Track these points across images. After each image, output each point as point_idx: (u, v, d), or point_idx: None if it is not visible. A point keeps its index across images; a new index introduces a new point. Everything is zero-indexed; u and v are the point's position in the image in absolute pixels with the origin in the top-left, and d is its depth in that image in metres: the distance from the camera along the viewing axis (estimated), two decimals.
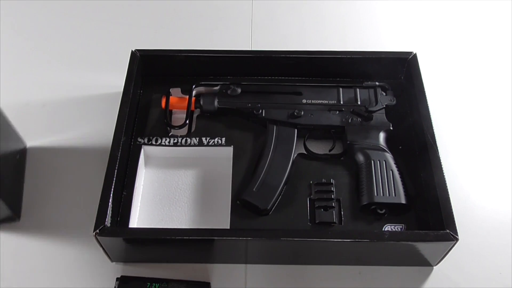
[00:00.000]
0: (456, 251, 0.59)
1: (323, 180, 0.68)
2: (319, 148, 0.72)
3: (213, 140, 0.72)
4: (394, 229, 0.63)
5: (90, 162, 0.73)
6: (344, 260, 0.64)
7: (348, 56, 0.76)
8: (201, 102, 0.73)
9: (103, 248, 0.60)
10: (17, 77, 0.86)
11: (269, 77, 0.79)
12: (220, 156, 0.72)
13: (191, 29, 0.95)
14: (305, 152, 0.72)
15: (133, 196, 0.66)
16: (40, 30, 0.95)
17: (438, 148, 0.65)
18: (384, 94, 0.74)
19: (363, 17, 0.98)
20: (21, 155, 0.73)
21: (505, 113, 0.81)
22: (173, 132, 0.73)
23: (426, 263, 0.63)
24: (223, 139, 0.72)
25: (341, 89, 0.74)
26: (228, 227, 0.63)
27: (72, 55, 0.90)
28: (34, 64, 0.89)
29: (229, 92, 0.74)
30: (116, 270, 0.63)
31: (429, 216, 0.64)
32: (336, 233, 0.60)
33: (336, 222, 0.64)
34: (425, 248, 0.59)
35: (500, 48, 0.92)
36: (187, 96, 0.74)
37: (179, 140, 0.72)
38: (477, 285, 0.63)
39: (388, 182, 0.65)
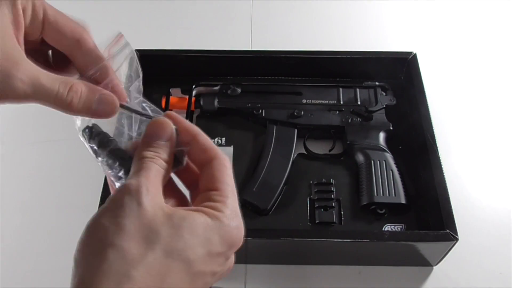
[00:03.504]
0: (456, 251, 0.59)
1: (323, 180, 0.68)
2: (319, 148, 0.72)
3: (213, 140, 0.72)
4: (394, 229, 0.63)
5: (90, 162, 0.73)
6: (344, 260, 0.64)
7: (348, 56, 0.76)
8: (201, 102, 0.73)
9: None
10: None
11: (269, 77, 0.79)
12: None
13: (191, 29, 0.95)
14: (305, 152, 0.72)
15: None
16: None
17: (438, 148, 0.65)
18: (384, 94, 0.74)
19: (363, 17, 0.98)
20: None
21: (505, 113, 0.81)
22: None
23: (426, 263, 0.63)
24: (223, 139, 0.72)
25: (341, 89, 0.74)
26: None
27: None
28: None
29: (229, 92, 0.74)
30: None
31: (429, 216, 0.64)
32: (336, 233, 0.60)
33: (336, 222, 0.64)
34: (425, 248, 0.59)
35: (500, 48, 0.92)
36: (187, 96, 0.74)
37: None
38: (477, 285, 0.63)
39: (388, 182, 0.65)
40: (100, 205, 0.59)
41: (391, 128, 0.71)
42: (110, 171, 0.35)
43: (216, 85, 0.75)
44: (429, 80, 0.74)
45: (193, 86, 0.75)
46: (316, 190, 0.67)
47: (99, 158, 0.35)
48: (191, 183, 0.35)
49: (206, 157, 0.33)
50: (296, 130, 0.71)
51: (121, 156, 0.35)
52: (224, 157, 0.34)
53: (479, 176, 0.74)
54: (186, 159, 0.34)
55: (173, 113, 0.34)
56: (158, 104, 0.75)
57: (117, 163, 0.34)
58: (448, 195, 0.60)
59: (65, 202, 0.70)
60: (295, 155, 0.70)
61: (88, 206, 0.61)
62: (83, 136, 0.36)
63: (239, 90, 0.74)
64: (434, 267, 0.64)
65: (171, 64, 0.78)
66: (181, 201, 0.35)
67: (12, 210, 0.69)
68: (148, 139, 0.33)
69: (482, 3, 1.00)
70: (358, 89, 0.74)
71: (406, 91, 0.76)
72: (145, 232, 0.28)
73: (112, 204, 0.29)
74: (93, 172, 0.69)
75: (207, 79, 0.77)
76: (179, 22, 0.96)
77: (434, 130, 0.67)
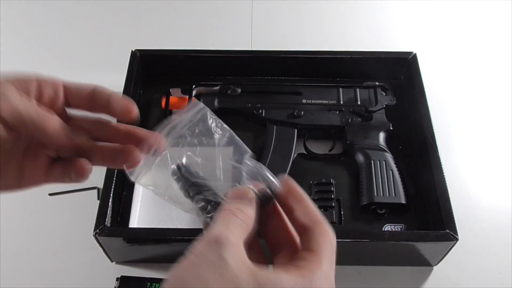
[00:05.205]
0: (456, 251, 0.59)
1: (323, 180, 0.68)
2: (319, 148, 0.72)
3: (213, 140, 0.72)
4: (394, 229, 0.63)
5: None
6: (344, 260, 0.63)
7: (348, 56, 0.76)
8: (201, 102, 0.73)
9: (103, 248, 0.60)
10: None
11: (269, 77, 0.79)
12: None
13: (191, 29, 0.95)
14: (305, 152, 0.72)
15: (133, 196, 0.66)
16: (40, 30, 0.95)
17: (438, 148, 0.65)
18: (384, 94, 0.74)
19: (363, 17, 0.98)
20: None
21: (505, 113, 0.81)
22: None
23: (426, 263, 0.63)
24: None
25: (341, 89, 0.74)
26: None
27: (72, 55, 0.90)
28: (34, 64, 0.88)
29: (229, 92, 0.74)
30: (116, 270, 0.63)
31: (429, 216, 0.64)
32: (336, 233, 0.60)
33: (336, 222, 0.64)
34: (425, 248, 0.59)
35: (500, 47, 0.92)
36: (187, 96, 0.74)
37: None
38: (477, 285, 0.63)
39: (388, 182, 0.65)
40: (100, 205, 0.59)
41: (391, 128, 0.71)
42: (202, 216, 0.34)
43: (216, 85, 0.75)
44: (429, 80, 0.74)
45: (193, 86, 0.75)
46: (316, 190, 0.67)
47: (192, 200, 0.34)
48: (275, 245, 0.34)
49: (309, 221, 0.33)
50: (296, 130, 0.71)
51: (214, 201, 0.33)
52: (328, 225, 0.33)
53: (479, 176, 0.74)
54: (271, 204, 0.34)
55: (289, 178, 0.34)
56: (158, 104, 0.75)
57: (208, 207, 0.33)
58: (448, 195, 0.60)
59: (65, 202, 0.70)
60: (295, 155, 0.70)
61: (88, 206, 0.61)
62: (173, 175, 0.35)
63: (239, 90, 0.74)
64: (434, 267, 0.64)
65: (171, 64, 0.78)
66: (263, 256, 0.33)
67: (12, 209, 0.69)
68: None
69: (482, 3, 1.00)
70: (358, 89, 0.74)
71: (406, 91, 0.76)
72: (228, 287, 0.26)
73: (194, 256, 0.27)
74: (93, 171, 0.69)
75: (207, 79, 0.77)
76: (179, 22, 0.96)
77: (434, 130, 0.67)
